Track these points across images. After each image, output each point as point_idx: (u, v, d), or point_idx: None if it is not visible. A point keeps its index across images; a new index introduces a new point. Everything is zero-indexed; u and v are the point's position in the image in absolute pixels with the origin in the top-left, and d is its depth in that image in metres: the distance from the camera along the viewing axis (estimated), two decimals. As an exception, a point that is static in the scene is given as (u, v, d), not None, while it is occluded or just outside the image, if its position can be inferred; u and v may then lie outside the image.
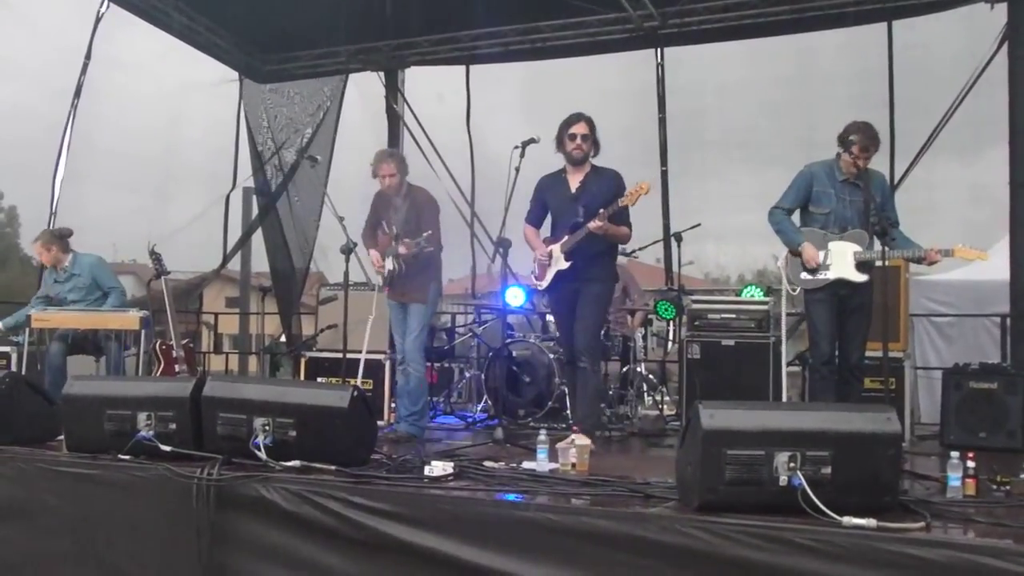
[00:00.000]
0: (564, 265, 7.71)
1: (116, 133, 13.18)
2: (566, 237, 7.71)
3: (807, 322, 7.79)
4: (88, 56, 12.52)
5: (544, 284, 7.98)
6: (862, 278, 7.33)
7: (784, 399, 8.23)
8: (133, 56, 13.08)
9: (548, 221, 8.14)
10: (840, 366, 7.49)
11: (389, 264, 8.31)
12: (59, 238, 9.68)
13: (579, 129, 7.72)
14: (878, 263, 7.18)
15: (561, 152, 7.84)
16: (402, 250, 8.13)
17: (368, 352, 9.21)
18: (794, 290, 7.62)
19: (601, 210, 7.42)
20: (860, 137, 7.26)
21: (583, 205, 7.61)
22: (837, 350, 7.49)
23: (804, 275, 7.46)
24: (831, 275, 7.34)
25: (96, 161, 12.95)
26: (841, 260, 7.35)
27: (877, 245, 7.17)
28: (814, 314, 7.50)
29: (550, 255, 7.84)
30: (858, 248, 7.34)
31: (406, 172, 8.54)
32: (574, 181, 7.85)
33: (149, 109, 13.84)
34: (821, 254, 7.37)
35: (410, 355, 8.34)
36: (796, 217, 7.67)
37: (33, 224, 13.92)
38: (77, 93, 12.55)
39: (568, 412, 9.02)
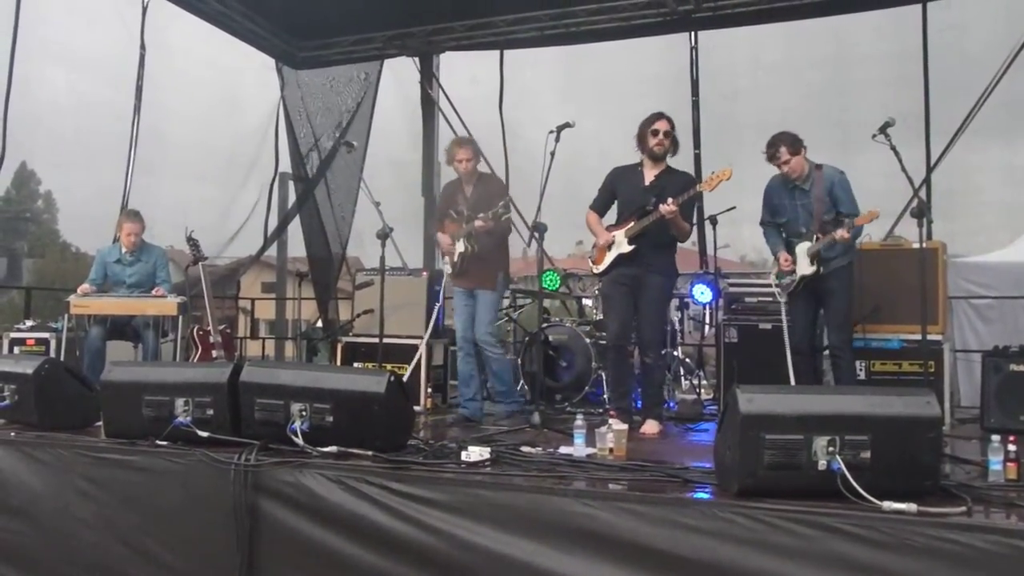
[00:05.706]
0: (626, 249, 7.84)
1: (162, 119, 13.26)
2: (632, 223, 7.83)
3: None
4: (143, 47, 12.62)
5: (601, 268, 8.09)
6: (811, 270, 7.97)
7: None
8: (183, 43, 13.23)
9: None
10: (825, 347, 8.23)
11: (460, 246, 8.60)
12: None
13: (662, 126, 7.94)
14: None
15: (642, 149, 8.02)
16: (478, 223, 8.37)
17: (405, 337, 9.28)
18: (782, 296, 8.29)
19: (673, 197, 7.54)
20: (766, 152, 8.10)
21: (655, 196, 7.72)
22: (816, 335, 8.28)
23: (778, 281, 8.27)
24: (797, 275, 8.09)
25: (152, 149, 13.03)
26: (801, 259, 8.07)
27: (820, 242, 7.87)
28: (792, 307, 8.27)
29: (613, 240, 7.95)
30: (809, 244, 8.02)
31: (479, 159, 8.97)
32: (649, 175, 8.01)
33: (195, 96, 13.93)
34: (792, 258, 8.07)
35: (484, 341, 8.72)
36: None
37: (71, 212, 14.03)
38: (139, 87, 12.66)
39: (605, 397, 9.05)
